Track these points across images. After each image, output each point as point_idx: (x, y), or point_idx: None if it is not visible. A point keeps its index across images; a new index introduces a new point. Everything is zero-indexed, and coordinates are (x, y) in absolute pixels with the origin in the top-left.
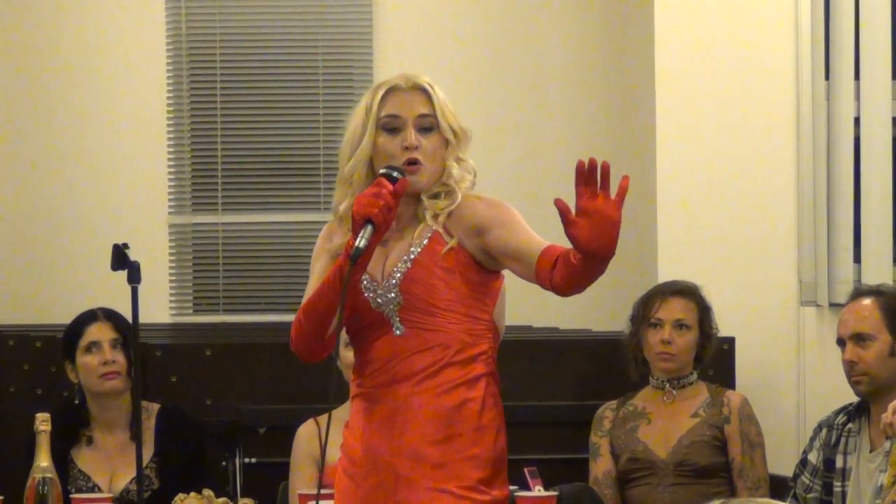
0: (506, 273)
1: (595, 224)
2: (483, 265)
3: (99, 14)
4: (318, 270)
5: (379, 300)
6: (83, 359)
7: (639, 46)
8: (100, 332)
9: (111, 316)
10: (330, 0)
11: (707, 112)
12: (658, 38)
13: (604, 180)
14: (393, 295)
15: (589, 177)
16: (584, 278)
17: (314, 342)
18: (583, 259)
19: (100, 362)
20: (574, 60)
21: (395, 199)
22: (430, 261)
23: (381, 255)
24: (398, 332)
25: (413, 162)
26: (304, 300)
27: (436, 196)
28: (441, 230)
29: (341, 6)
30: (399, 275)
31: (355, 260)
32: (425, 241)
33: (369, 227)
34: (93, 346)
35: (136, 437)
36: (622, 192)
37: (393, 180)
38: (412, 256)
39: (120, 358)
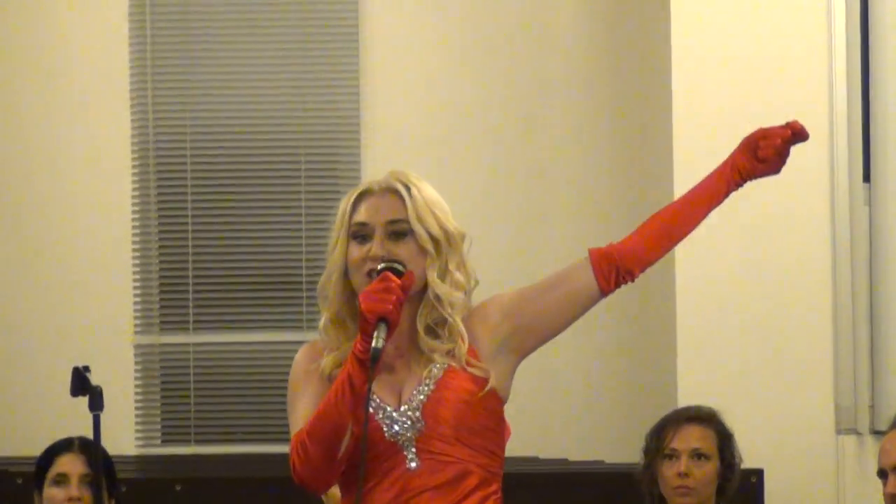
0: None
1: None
2: (509, 359)
3: (60, 111)
4: (311, 394)
5: (396, 427)
6: (49, 490)
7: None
8: (70, 464)
9: (87, 447)
10: (312, 92)
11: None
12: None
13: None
14: (412, 421)
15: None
16: (681, 225)
17: (324, 467)
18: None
19: (65, 497)
20: (580, 70)
21: (405, 293)
22: (455, 383)
23: (391, 378)
24: (413, 466)
25: (375, 272)
26: (295, 429)
27: (433, 333)
28: (455, 365)
29: (324, 98)
30: (422, 397)
31: (376, 360)
32: (440, 374)
33: (383, 326)
34: (61, 479)
35: None
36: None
37: (398, 273)
38: (434, 376)
39: (87, 495)
